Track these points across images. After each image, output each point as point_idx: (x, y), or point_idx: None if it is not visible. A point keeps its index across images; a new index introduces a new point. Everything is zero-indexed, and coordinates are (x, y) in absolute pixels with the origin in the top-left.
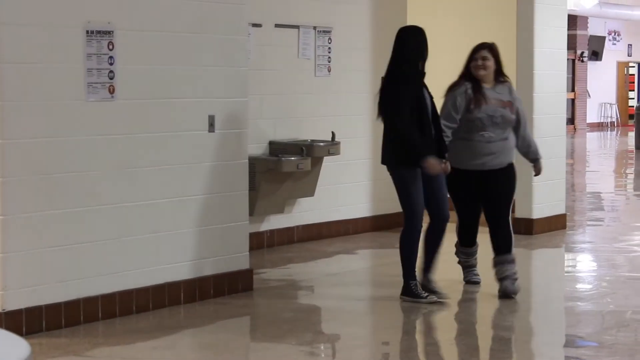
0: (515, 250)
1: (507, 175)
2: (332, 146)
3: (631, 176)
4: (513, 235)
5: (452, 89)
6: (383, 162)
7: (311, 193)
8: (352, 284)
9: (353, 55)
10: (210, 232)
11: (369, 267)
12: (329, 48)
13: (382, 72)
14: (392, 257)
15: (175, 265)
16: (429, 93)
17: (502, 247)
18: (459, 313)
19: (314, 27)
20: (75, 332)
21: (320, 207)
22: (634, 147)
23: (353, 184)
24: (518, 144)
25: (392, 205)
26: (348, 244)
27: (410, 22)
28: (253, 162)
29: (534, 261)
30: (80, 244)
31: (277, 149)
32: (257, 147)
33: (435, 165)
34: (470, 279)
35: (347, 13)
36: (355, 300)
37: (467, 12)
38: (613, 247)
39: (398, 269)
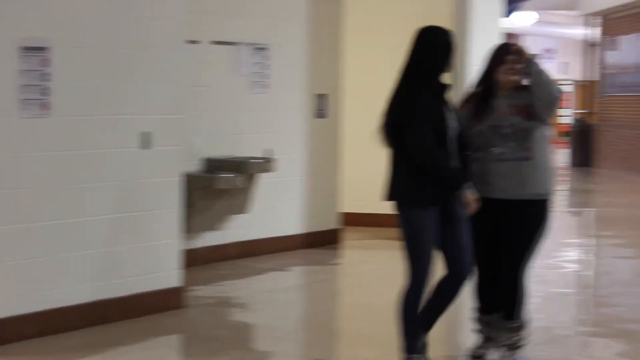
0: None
1: (530, 212)
2: (267, 163)
3: (565, 193)
4: (523, 298)
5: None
6: (390, 198)
7: (246, 210)
8: (285, 301)
9: (289, 72)
10: (144, 249)
11: (302, 284)
12: (265, 65)
13: (318, 89)
14: (325, 274)
15: (108, 282)
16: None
17: (499, 305)
18: None
19: (250, 44)
20: (7, 350)
21: (255, 224)
22: (567, 164)
23: (288, 201)
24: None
25: (326, 222)
26: (282, 261)
27: (347, 41)
28: (188, 178)
29: None
30: (13, 262)
31: (213, 165)
32: (192, 164)
33: (472, 200)
34: (478, 355)
35: (283, 30)
36: (288, 317)
37: (405, 31)
38: (544, 263)
39: (331, 286)
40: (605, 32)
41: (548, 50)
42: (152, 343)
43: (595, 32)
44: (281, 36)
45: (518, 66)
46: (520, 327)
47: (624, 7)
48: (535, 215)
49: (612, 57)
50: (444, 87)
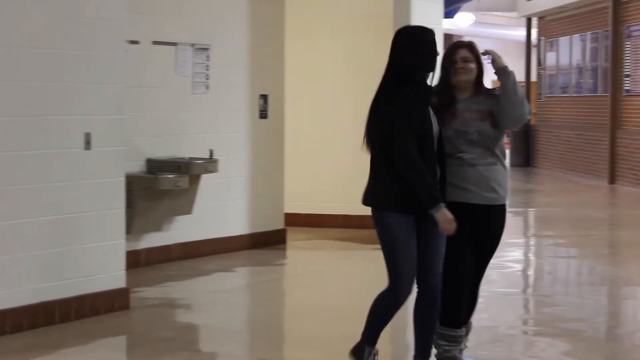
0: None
1: (502, 216)
2: (210, 164)
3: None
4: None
5: None
6: (365, 203)
7: (189, 211)
8: (230, 302)
9: (231, 72)
10: (87, 250)
11: (246, 284)
12: (207, 65)
13: (261, 89)
14: (271, 274)
15: (51, 284)
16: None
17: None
18: None
19: (192, 45)
20: None
21: (198, 225)
22: (508, 164)
23: (231, 201)
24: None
25: (270, 222)
26: (226, 261)
27: (288, 42)
28: (130, 179)
29: None
30: None
31: (155, 166)
32: (135, 165)
33: (449, 220)
34: None
35: (225, 31)
36: (234, 318)
37: (345, 35)
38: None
39: (276, 286)
40: (543, 34)
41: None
42: (97, 344)
43: (533, 34)
44: (223, 36)
45: (470, 65)
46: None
47: (561, 9)
48: (503, 219)
49: (551, 59)
50: (428, 90)
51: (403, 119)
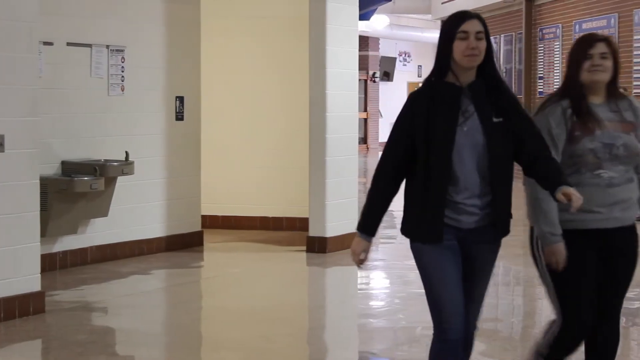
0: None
1: (632, 239)
2: (125, 166)
3: None
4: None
5: (542, 109)
6: (401, 231)
7: (105, 213)
8: (146, 304)
9: (146, 74)
10: (1, 253)
11: (163, 287)
12: (122, 67)
13: (177, 91)
14: (186, 277)
15: None
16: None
17: (602, 355)
18: None
19: (107, 46)
20: None
21: (114, 228)
22: None
23: (147, 203)
24: None
25: (187, 224)
26: (142, 264)
27: (204, 43)
28: (45, 182)
29: (327, 279)
30: None
31: (70, 169)
32: (49, 167)
33: (356, 252)
34: None
35: (140, 32)
36: (150, 321)
37: (262, 34)
38: (404, 264)
39: (193, 289)
40: None
41: (403, 54)
42: (11, 349)
43: None
44: (138, 38)
45: (607, 63)
46: None
47: (475, 11)
48: (637, 239)
49: None
50: (451, 88)
51: (397, 123)
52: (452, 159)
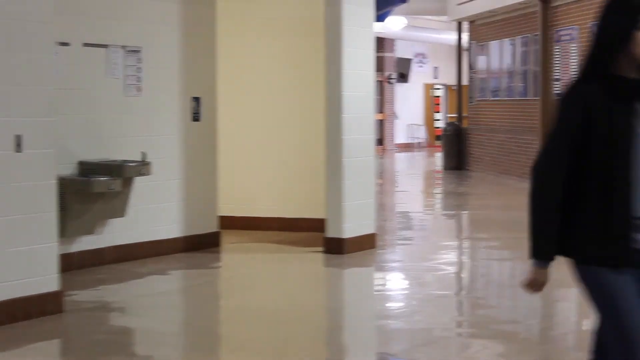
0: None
1: None
2: (142, 166)
3: (439, 196)
4: None
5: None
6: (563, 253)
7: (122, 214)
8: (164, 305)
9: (163, 75)
10: (19, 253)
11: (181, 288)
12: (139, 68)
13: (193, 92)
14: (204, 277)
15: None
16: None
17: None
18: None
19: (123, 47)
20: None
21: (132, 228)
22: (441, 168)
23: (164, 204)
24: None
25: (204, 225)
26: (160, 264)
27: (220, 43)
28: (62, 182)
29: (345, 280)
30: None
31: (87, 169)
32: (67, 167)
33: (534, 283)
34: None
35: (156, 33)
36: (168, 321)
37: (277, 34)
38: (422, 265)
39: (211, 289)
40: (474, 38)
41: (419, 55)
42: (29, 349)
43: (464, 38)
44: (154, 39)
45: None
46: None
47: (491, 13)
48: None
49: (481, 62)
50: (624, 82)
51: (560, 117)
52: (634, 165)
